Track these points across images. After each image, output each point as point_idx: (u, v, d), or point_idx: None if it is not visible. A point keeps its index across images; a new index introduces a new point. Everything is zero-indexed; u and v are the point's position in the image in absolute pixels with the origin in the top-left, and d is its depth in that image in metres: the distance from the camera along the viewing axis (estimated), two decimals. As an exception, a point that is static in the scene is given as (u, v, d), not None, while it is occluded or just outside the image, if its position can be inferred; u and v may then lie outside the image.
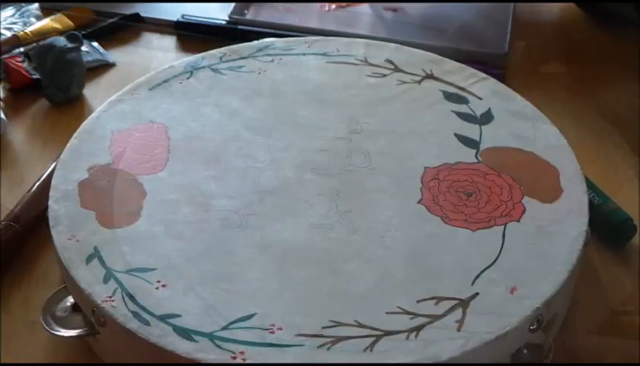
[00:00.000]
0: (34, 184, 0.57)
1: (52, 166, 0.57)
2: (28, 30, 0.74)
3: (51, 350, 0.48)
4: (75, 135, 0.54)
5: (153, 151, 0.53)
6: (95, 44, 0.74)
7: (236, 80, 0.59)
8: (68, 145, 0.53)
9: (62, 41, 0.68)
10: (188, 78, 0.59)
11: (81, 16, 0.78)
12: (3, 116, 0.64)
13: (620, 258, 0.54)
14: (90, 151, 0.53)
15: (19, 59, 0.70)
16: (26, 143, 0.64)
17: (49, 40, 0.68)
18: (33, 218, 0.55)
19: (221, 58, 0.62)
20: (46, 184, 0.53)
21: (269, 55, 0.62)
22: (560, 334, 0.48)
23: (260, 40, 0.64)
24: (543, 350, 0.44)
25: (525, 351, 0.44)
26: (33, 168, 0.60)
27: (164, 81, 0.59)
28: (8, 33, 0.74)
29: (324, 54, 0.62)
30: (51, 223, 0.47)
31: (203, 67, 0.61)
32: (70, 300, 0.47)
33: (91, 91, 0.70)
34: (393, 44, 0.63)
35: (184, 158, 0.52)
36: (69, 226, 0.47)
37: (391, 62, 0.61)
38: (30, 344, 0.48)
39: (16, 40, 0.73)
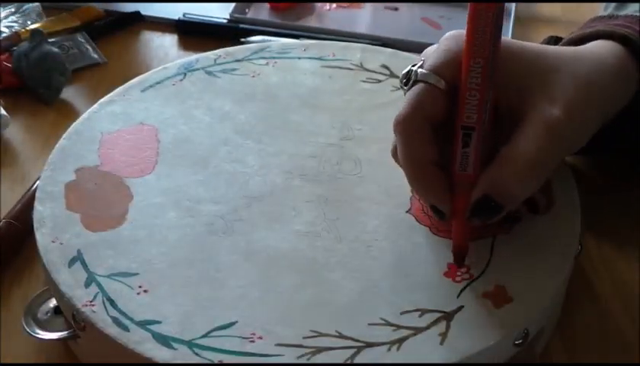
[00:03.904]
0: (35, 182, 0.57)
1: None
2: (29, 27, 0.74)
3: (52, 349, 0.48)
4: (64, 136, 0.54)
5: (142, 154, 0.52)
6: (91, 45, 0.74)
7: (230, 83, 0.59)
8: (57, 145, 0.53)
9: (24, 45, 0.68)
10: (181, 80, 0.59)
11: (83, 15, 0.77)
12: (4, 111, 0.64)
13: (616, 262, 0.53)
14: (78, 152, 0.52)
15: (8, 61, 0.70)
16: (27, 141, 0.64)
17: (16, 50, 0.68)
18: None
19: (215, 60, 0.61)
20: None
21: (264, 58, 0.61)
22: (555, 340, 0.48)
23: (256, 43, 0.64)
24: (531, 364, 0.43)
25: None
26: (34, 167, 0.60)
27: (157, 83, 0.59)
28: (9, 32, 0.74)
29: (319, 58, 0.61)
30: (35, 225, 0.47)
31: (197, 69, 0.60)
32: (53, 302, 0.47)
33: (92, 90, 0.69)
34: (390, 49, 0.63)
35: (172, 161, 0.52)
36: (53, 228, 0.47)
37: (387, 68, 0.60)
38: (30, 343, 0.47)
39: (17, 38, 0.73)
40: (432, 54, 0.46)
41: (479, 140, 0.43)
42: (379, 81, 0.59)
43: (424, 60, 0.45)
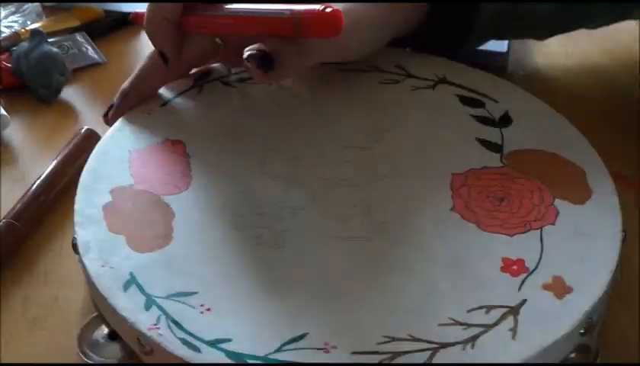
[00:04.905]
0: (35, 182, 0.57)
1: (53, 164, 0.59)
2: (29, 27, 0.74)
3: (52, 349, 0.47)
4: (91, 157, 0.52)
5: (174, 170, 0.52)
6: (91, 45, 0.73)
7: (248, 92, 0.58)
8: (85, 167, 0.52)
9: (24, 45, 0.68)
10: (199, 93, 0.58)
11: (83, 15, 0.77)
12: (4, 111, 0.63)
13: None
14: (109, 173, 0.51)
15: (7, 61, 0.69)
16: (27, 141, 0.64)
17: (15, 50, 0.68)
18: (34, 216, 0.55)
19: (230, 70, 0.60)
20: (47, 183, 0.57)
21: (277, 65, 0.61)
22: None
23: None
24: (592, 351, 0.44)
25: (573, 354, 0.44)
26: (33, 166, 0.60)
27: (176, 97, 0.58)
28: (9, 32, 0.74)
29: (332, 62, 0.61)
30: (81, 250, 0.46)
31: (213, 80, 0.59)
32: (102, 330, 0.46)
33: (91, 90, 0.69)
34: (399, 48, 0.63)
35: (207, 175, 0.51)
36: (100, 253, 0.46)
37: (401, 68, 0.60)
38: (30, 343, 0.48)
39: (17, 37, 0.73)
40: None
41: None
42: (397, 81, 0.59)
43: None
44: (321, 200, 0.50)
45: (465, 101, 0.57)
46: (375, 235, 0.47)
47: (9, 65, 0.68)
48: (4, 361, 0.46)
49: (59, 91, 0.67)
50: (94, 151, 0.53)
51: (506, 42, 0.72)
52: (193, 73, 0.60)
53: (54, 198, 0.57)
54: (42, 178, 0.57)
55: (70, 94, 0.69)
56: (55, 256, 0.54)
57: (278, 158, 0.53)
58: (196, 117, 0.56)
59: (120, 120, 0.56)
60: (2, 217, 0.54)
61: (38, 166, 0.59)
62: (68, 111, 0.67)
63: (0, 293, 0.50)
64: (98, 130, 0.62)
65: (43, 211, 0.56)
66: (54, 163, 0.59)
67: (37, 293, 0.51)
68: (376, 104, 0.57)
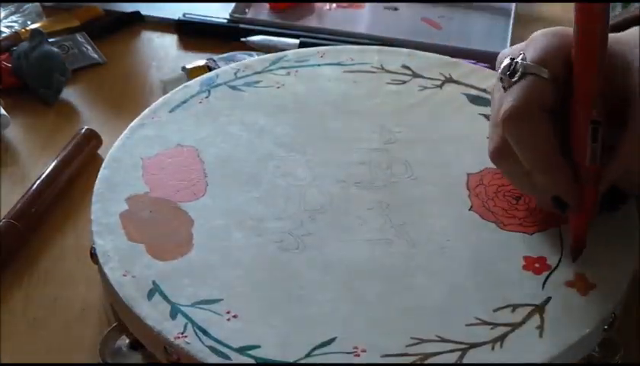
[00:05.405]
0: (35, 182, 0.57)
1: (53, 164, 0.58)
2: (29, 27, 0.74)
3: (51, 349, 0.48)
4: (103, 165, 0.52)
5: (189, 176, 0.51)
6: (91, 45, 0.73)
7: (256, 96, 0.58)
8: (99, 176, 0.51)
9: (24, 45, 0.68)
10: (207, 97, 0.58)
11: (83, 15, 0.76)
12: (4, 111, 0.63)
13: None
14: (123, 180, 0.51)
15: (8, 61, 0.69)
16: (27, 141, 0.64)
17: (15, 50, 0.68)
18: (34, 216, 0.55)
19: (235, 74, 0.60)
20: (47, 183, 0.57)
21: (283, 68, 0.61)
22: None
23: (272, 53, 0.63)
24: (617, 347, 0.44)
25: (597, 350, 0.44)
26: (34, 167, 0.60)
27: (183, 102, 0.57)
28: (9, 32, 0.73)
29: (338, 64, 0.61)
30: (101, 260, 0.45)
31: (219, 84, 0.59)
32: (124, 339, 0.46)
33: (92, 90, 0.69)
34: (405, 49, 0.63)
35: (222, 181, 0.51)
36: (121, 262, 0.45)
37: (408, 68, 0.60)
38: (30, 343, 0.48)
39: (17, 37, 0.72)
40: (531, 47, 0.45)
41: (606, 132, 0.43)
42: (404, 81, 0.59)
43: (523, 53, 0.45)
44: (339, 202, 0.50)
45: (474, 99, 0.58)
46: (396, 237, 0.47)
47: (9, 65, 0.68)
48: (4, 361, 0.46)
49: (59, 91, 0.67)
50: (105, 159, 0.52)
51: (508, 40, 0.72)
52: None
53: (54, 198, 0.57)
54: (42, 178, 0.57)
55: (70, 94, 0.68)
56: (55, 256, 0.54)
57: (292, 161, 0.52)
58: (206, 121, 0.56)
59: (129, 127, 0.55)
60: (2, 217, 0.54)
61: (38, 166, 0.59)
62: (68, 111, 0.67)
63: (0, 294, 0.50)
64: (98, 130, 0.62)
65: (43, 211, 0.56)
66: (54, 163, 0.59)
67: (37, 294, 0.51)
68: (386, 105, 0.57)
